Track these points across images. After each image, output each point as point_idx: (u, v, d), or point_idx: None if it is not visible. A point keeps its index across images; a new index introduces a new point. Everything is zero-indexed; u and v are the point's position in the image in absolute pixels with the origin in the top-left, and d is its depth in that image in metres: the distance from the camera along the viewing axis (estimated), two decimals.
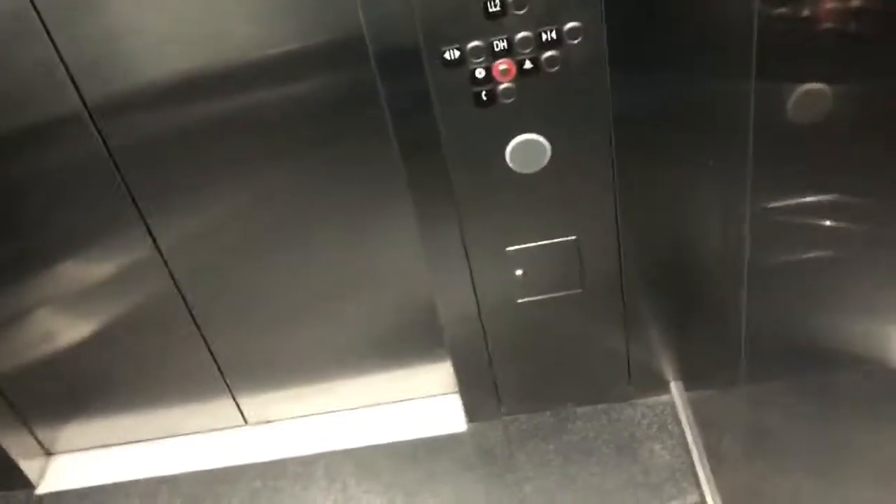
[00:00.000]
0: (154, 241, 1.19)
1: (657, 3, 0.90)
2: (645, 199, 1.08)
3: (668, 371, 1.29)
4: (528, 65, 0.91)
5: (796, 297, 0.89)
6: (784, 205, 0.82)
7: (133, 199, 1.16)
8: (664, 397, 1.31)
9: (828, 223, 0.83)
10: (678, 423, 1.28)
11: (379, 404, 1.42)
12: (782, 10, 0.72)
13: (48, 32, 1.01)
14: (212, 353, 1.33)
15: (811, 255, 0.86)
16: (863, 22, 0.72)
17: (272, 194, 1.17)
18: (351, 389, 1.40)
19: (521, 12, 0.88)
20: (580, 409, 1.32)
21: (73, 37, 1.02)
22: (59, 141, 1.11)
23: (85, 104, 1.07)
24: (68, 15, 1.00)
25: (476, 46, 0.90)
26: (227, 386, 1.38)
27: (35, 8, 0.99)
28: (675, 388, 1.31)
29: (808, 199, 0.82)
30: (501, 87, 0.93)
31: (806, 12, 0.71)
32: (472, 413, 1.34)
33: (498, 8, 0.87)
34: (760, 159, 0.79)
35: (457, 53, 0.91)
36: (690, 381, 1.28)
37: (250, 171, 1.14)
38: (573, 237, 1.09)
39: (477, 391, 1.31)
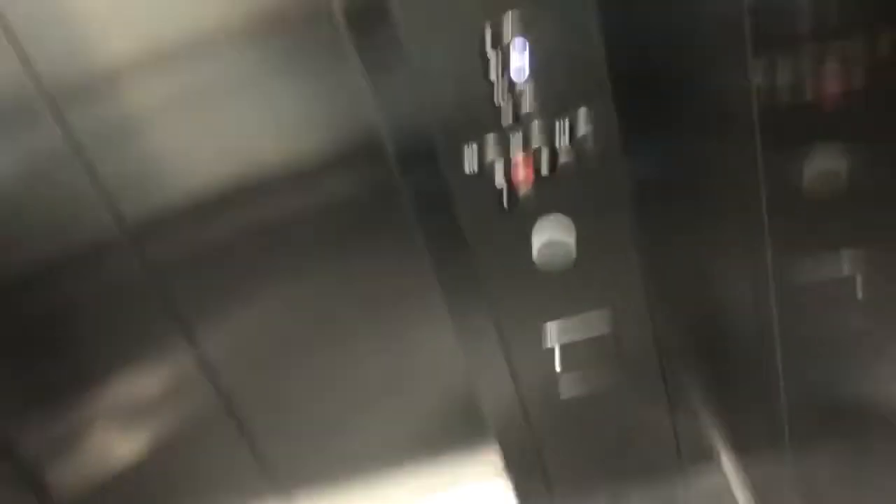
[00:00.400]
0: (197, 352, 1.22)
1: (661, 84, 0.92)
2: (674, 274, 1.08)
3: (718, 441, 1.27)
4: (545, 166, 0.93)
5: (832, 361, 0.89)
6: (808, 273, 0.82)
7: (174, 312, 1.19)
8: (716, 468, 1.29)
9: (853, 289, 0.83)
10: (731, 493, 1.26)
11: (429, 496, 1.42)
12: (780, 84, 0.73)
13: (85, 161, 1.06)
14: (261, 459, 1.35)
15: (840, 320, 0.85)
16: (866, 91, 0.72)
17: (308, 297, 1.20)
18: (401, 483, 1.40)
19: (535, 120, 0.90)
20: (633, 489, 1.31)
21: (110, 162, 1.06)
22: (100, 261, 1.15)
23: (123, 224, 1.11)
24: (105, 142, 1.05)
25: (493, 154, 0.92)
26: (280, 490, 1.39)
27: (72, 140, 1.04)
28: (725, 457, 1.29)
29: (832, 266, 0.82)
30: (521, 188, 0.95)
31: (804, 86, 0.72)
32: (523, 500, 1.33)
33: (511, 119, 0.89)
34: (779, 228, 0.79)
35: (475, 162, 0.93)
36: (740, 449, 1.26)
37: (286, 275, 1.17)
38: (607, 320, 1.10)
39: (527, 478, 1.30)
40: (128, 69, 1.01)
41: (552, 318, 1.09)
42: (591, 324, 1.09)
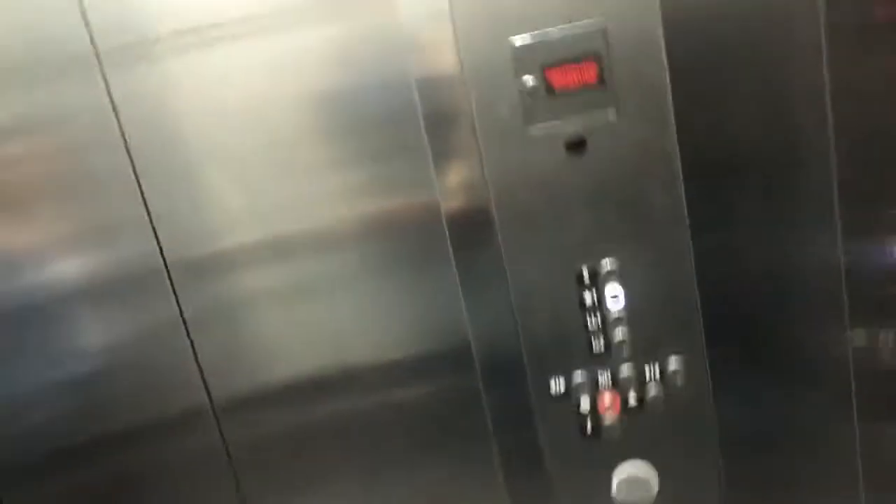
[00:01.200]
0: None
1: (754, 333, 0.92)
2: None
3: None
4: (632, 399, 0.93)
5: None
6: None
7: (241, 493, 1.18)
8: None
9: None
10: None
11: None
12: (880, 349, 0.72)
13: (190, 334, 1.11)
14: None
15: None
16: None
17: (374, 499, 1.17)
18: None
19: (625, 352, 0.91)
20: None
21: (211, 341, 1.11)
22: (180, 435, 1.16)
23: (211, 400, 1.14)
24: (210, 320, 1.10)
25: (581, 381, 0.93)
26: None
27: (182, 314, 1.10)
28: None
29: None
30: (607, 419, 0.94)
31: None
32: None
33: (602, 349, 0.91)
34: (877, 498, 0.75)
35: (562, 386, 0.94)
36: None
37: (355, 473, 1.16)
38: None
39: None
40: (243, 256, 1.09)
41: None
42: None
